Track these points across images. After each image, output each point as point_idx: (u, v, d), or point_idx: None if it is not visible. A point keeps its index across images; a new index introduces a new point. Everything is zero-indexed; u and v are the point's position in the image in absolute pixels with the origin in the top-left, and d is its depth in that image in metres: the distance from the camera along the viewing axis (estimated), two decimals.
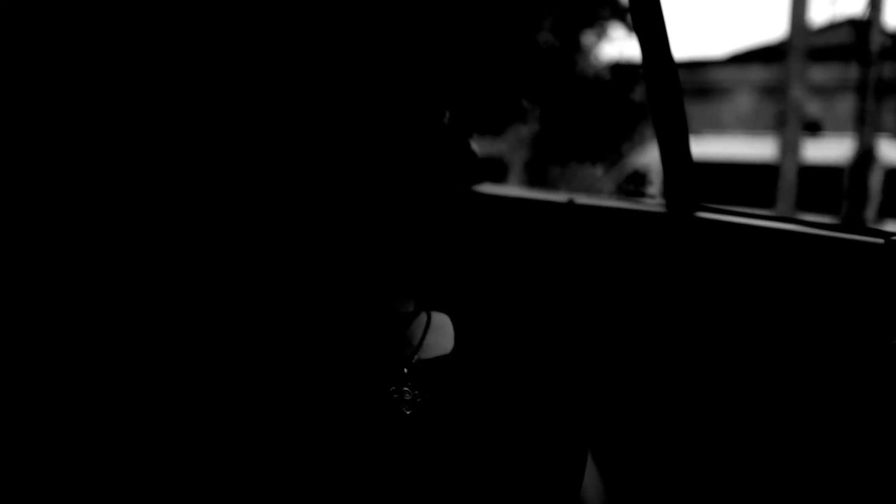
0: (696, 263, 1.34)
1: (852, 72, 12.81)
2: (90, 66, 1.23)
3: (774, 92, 14.16)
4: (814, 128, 13.18)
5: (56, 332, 1.15)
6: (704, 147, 11.09)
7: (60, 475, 1.08)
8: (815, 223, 1.27)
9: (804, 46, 10.99)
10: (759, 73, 15.89)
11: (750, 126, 15.23)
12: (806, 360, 1.20)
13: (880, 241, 1.15)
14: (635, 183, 9.47)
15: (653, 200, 1.64)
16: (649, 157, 9.66)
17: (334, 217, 0.97)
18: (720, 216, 1.34)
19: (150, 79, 1.27)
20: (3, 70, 1.18)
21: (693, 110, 13.89)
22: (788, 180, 10.70)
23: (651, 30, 1.36)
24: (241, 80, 1.24)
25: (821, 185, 11.11)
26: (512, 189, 1.62)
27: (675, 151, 1.37)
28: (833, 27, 15.61)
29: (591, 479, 1.04)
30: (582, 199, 1.50)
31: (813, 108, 14.65)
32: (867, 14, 11.76)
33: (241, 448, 0.88)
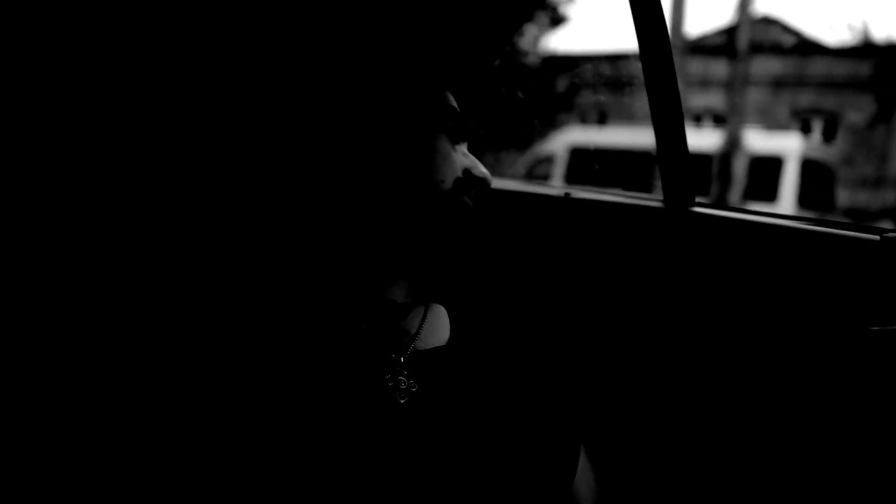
0: (691, 258, 1.32)
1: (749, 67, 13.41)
2: (90, 67, 1.17)
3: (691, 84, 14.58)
4: (718, 119, 13.66)
5: (54, 331, 1.09)
6: (605, 136, 11.34)
7: (60, 475, 1.02)
8: (811, 219, 1.26)
9: (682, 45, 11.33)
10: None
11: None
12: (799, 355, 1.18)
13: (875, 237, 1.14)
14: (543, 167, 9.67)
15: (648, 194, 1.62)
16: (556, 144, 9.85)
17: (329, 208, 0.96)
18: (716, 211, 1.32)
19: (149, 79, 1.21)
20: (2, 70, 1.11)
21: (612, 102, 14.20)
22: None
23: (650, 26, 1.32)
24: (239, 80, 1.21)
25: (694, 170, 11.47)
26: (508, 182, 1.57)
27: (671, 147, 1.34)
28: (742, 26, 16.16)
29: (583, 472, 1.03)
30: (578, 193, 1.46)
31: (714, 100, 15.19)
32: (736, 13, 12.19)
33: (236, 436, 0.84)
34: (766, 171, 10.51)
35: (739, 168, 11.43)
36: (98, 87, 1.17)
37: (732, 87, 12.13)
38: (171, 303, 1.05)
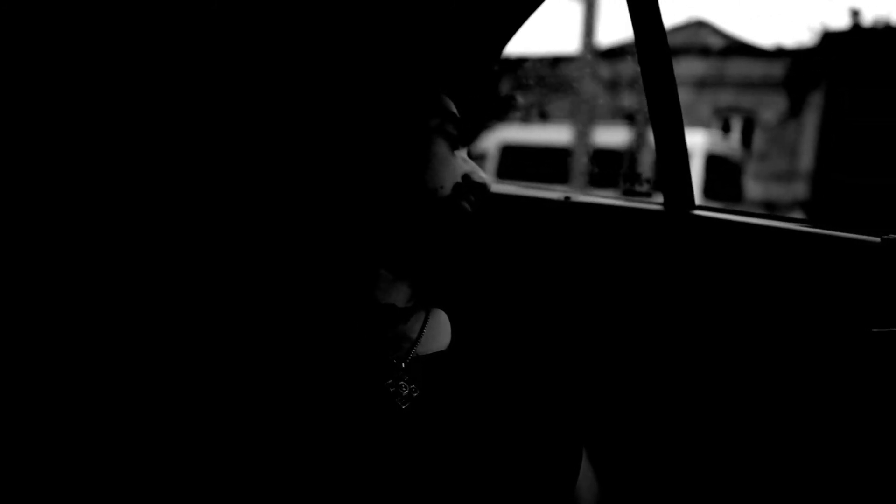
0: (692, 261, 1.31)
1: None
2: (91, 67, 1.14)
3: (615, 86, 14.95)
4: (630, 118, 14.35)
5: (55, 331, 1.08)
6: (534, 134, 11.86)
7: (60, 474, 1.03)
8: (810, 221, 1.26)
9: (592, 49, 11.69)
10: (605, 70, 16.62)
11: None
12: (800, 357, 1.19)
13: (876, 239, 1.15)
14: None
15: (650, 198, 1.60)
16: (488, 142, 10.07)
17: (327, 212, 0.96)
18: (716, 214, 1.32)
19: (149, 79, 1.19)
20: (3, 70, 1.09)
21: (546, 102, 14.52)
22: (581, 161, 11.35)
23: (649, 33, 1.31)
24: (238, 80, 1.21)
25: (606, 165, 11.96)
26: (508, 186, 1.54)
27: (670, 150, 1.33)
28: (681, 28, 16.64)
29: (585, 475, 1.03)
30: (578, 197, 1.44)
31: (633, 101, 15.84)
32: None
33: (238, 441, 0.84)
34: None
35: (646, 162, 11.97)
36: (98, 87, 1.15)
37: (637, 89, 12.62)
38: (169, 305, 1.05)
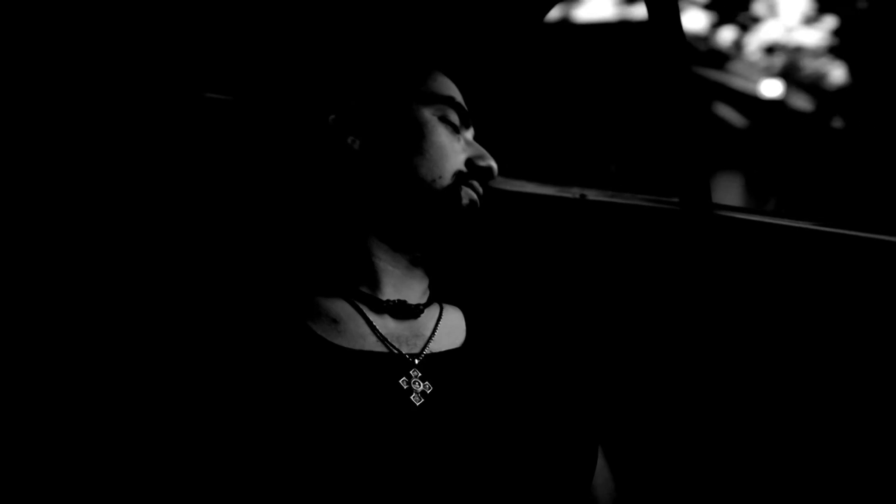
0: (710, 261, 1.28)
1: None
2: (90, 66, 1.15)
3: None
4: None
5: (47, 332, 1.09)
6: None
7: (59, 474, 1.02)
8: (831, 221, 1.22)
9: None
10: None
11: None
12: (821, 360, 1.16)
13: None
14: None
15: (668, 198, 1.57)
16: None
17: (322, 206, 0.98)
18: (735, 213, 1.28)
19: (149, 78, 1.20)
20: (2, 70, 1.09)
21: None
22: None
23: (667, 30, 1.26)
24: (240, 79, 1.21)
25: None
26: (521, 184, 1.51)
27: (688, 149, 1.29)
28: None
29: (601, 472, 1.02)
30: (594, 195, 1.41)
31: None
32: None
33: (249, 439, 0.82)
34: None
35: None
36: (97, 87, 1.15)
37: None
38: (167, 302, 1.04)
